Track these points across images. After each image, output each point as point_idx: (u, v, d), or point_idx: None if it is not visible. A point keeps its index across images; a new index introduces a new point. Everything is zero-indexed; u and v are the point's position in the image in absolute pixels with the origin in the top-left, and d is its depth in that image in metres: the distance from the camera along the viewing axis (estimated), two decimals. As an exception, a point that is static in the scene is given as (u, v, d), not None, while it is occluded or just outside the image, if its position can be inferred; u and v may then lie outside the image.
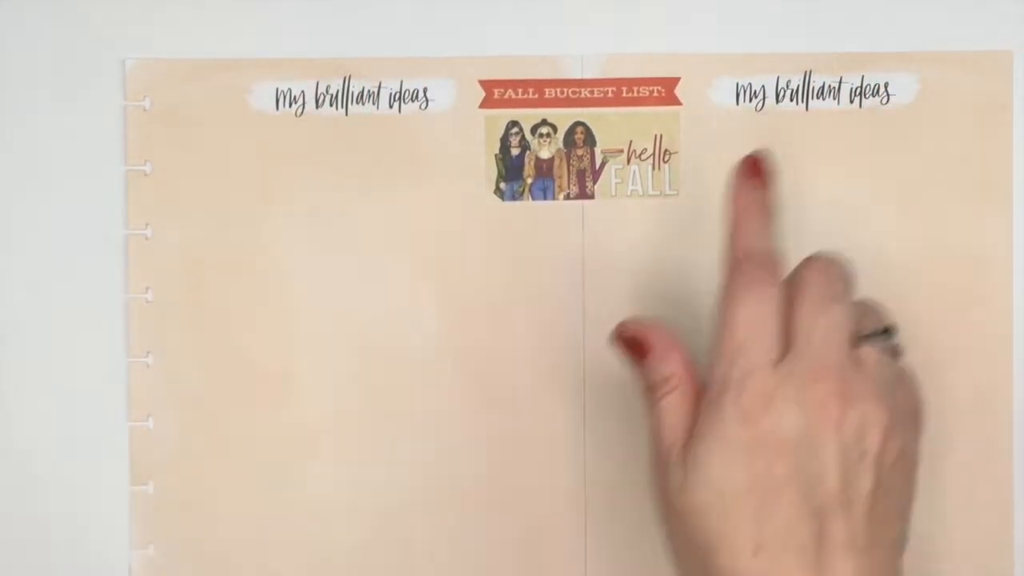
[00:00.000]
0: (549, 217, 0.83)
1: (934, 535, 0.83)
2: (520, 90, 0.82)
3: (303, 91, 0.82)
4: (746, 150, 0.64)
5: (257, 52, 0.82)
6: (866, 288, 0.83)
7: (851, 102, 0.83)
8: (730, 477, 0.58)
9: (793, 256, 0.83)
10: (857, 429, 0.58)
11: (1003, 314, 0.83)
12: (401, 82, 0.82)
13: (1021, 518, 0.83)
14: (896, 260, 0.83)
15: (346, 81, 0.82)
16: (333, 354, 0.82)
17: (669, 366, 0.64)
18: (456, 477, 0.83)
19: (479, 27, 0.82)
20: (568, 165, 0.83)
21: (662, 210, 0.83)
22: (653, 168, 0.83)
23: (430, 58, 0.82)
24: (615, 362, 0.83)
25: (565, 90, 0.82)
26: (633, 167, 0.83)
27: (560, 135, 0.83)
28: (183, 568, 0.82)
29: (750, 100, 0.83)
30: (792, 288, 0.62)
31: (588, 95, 0.82)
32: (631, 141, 0.83)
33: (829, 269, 0.64)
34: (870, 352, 0.61)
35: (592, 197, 0.83)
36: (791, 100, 0.83)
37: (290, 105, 0.82)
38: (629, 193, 0.83)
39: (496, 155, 0.83)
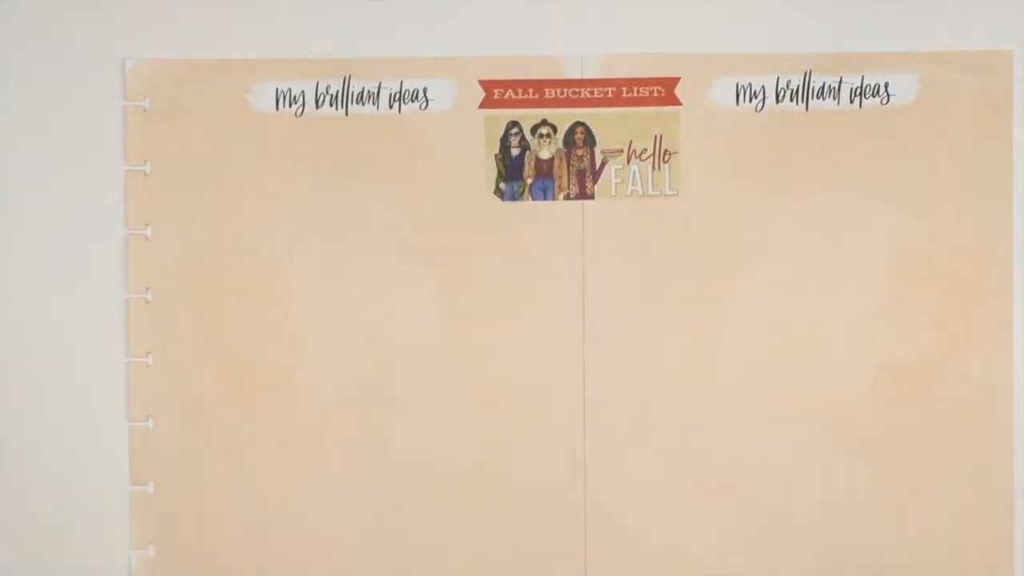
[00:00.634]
0: (549, 217, 0.83)
1: (934, 535, 0.83)
2: (520, 90, 0.82)
3: (303, 91, 0.82)
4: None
5: (257, 52, 0.82)
6: (866, 288, 0.83)
7: (851, 102, 0.83)
8: None
9: (793, 256, 0.83)
10: None
11: (1003, 314, 0.83)
12: (401, 82, 0.82)
13: (1021, 518, 0.83)
14: (896, 259, 0.83)
15: (346, 81, 0.82)
16: (333, 354, 0.82)
17: None
18: (456, 476, 0.83)
19: (479, 27, 0.82)
20: (568, 165, 0.83)
21: (662, 210, 0.83)
22: (653, 168, 0.83)
23: (430, 58, 0.82)
24: (615, 362, 0.83)
25: (565, 90, 0.82)
26: (633, 167, 0.83)
27: (560, 135, 0.83)
28: (183, 568, 0.82)
29: (750, 100, 0.83)
30: None
31: (588, 95, 0.82)
32: (631, 141, 0.83)
33: None
34: None
35: (592, 197, 0.83)
36: (791, 100, 0.83)
37: (290, 105, 0.82)
38: (629, 193, 0.83)
39: (496, 155, 0.83)
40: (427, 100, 0.82)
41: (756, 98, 0.83)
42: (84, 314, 0.82)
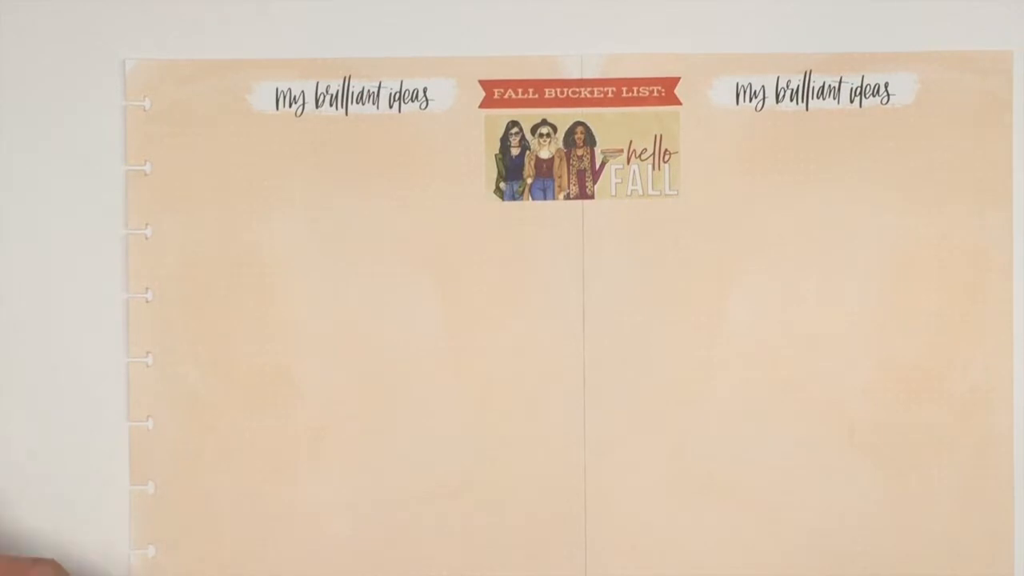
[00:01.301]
0: (549, 217, 0.83)
1: (934, 535, 0.83)
2: (520, 90, 0.82)
3: (303, 91, 0.82)
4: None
5: (257, 52, 0.82)
6: (866, 287, 0.83)
7: (851, 102, 0.83)
8: None
9: (793, 256, 0.83)
10: None
11: (1003, 314, 0.83)
12: (401, 82, 0.82)
13: (1021, 518, 0.83)
14: (896, 259, 0.83)
15: (346, 81, 0.82)
16: (333, 353, 0.82)
17: None
18: (455, 476, 0.83)
19: (479, 27, 0.82)
20: (568, 165, 0.83)
21: (662, 210, 0.83)
22: (653, 168, 0.83)
23: (430, 58, 0.82)
24: (615, 362, 0.83)
25: (565, 90, 0.82)
26: (633, 167, 0.83)
27: (560, 135, 0.83)
28: (183, 568, 0.82)
29: (750, 100, 0.83)
30: None
31: (588, 95, 0.82)
32: (631, 141, 0.83)
33: None
34: None
35: (592, 197, 0.83)
36: (791, 100, 0.83)
37: (290, 105, 0.82)
38: (629, 193, 0.83)
39: (496, 155, 0.83)
40: (427, 100, 0.82)
41: (756, 98, 0.83)
42: (84, 314, 0.82)
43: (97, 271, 0.82)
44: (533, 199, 0.83)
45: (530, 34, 0.82)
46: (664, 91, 0.82)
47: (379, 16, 0.82)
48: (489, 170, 0.82)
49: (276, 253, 0.82)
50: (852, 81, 0.83)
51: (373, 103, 0.82)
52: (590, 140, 0.83)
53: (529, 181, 0.83)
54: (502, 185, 0.83)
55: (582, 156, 0.83)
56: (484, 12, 0.82)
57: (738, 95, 0.83)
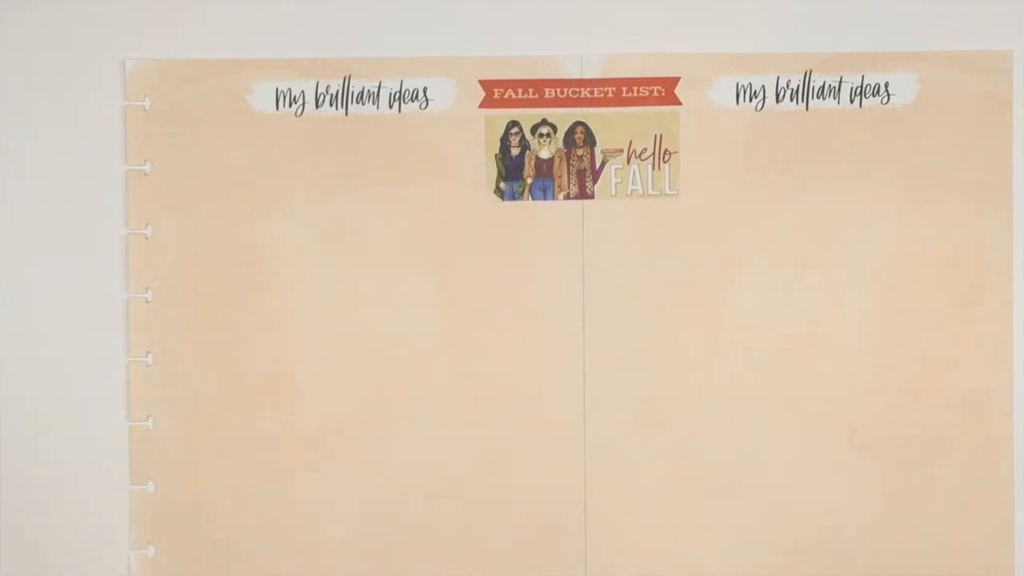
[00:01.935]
0: (549, 217, 0.83)
1: (934, 535, 0.83)
2: (520, 90, 0.82)
3: (303, 91, 0.82)
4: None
5: (257, 52, 0.82)
6: (866, 287, 0.83)
7: (851, 102, 0.83)
8: None
9: (793, 255, 0.83)
10: None
11: (1003, 314, 0.83)
12: (401, 82, 0.82)
13: (1021, 518, 0.83)
14: (896, 259, 0.83)
15: (346, 81, 0.82)
16: (332, 353, 0.82)
17: None
18: (455, 476, 0.83)
19: (479, 27, 0.82)
20: (568, 165, 0.83)
21: (662, 210, 0.83)
22: (653, 168, 0.83)
23: (430, 58, 0.82)
24: (615, 362, 0.83)
25: (565, 90, 0.82)
26: (633, 167, 0.83)
27: (560, 135, 0.83)
28: (183, 568, 0.82)
29: (750, 100, 0.83)
30: None
31: (588, 95, 0.82)
32: (631, 141, 0.83)
33: None
34: None
35: (592, 197, 0.83)
36: (791, 100, 0.83)
37: (290, 105, 0.82)
38: (629, 193, 0.83)
39: (496, 155, 0.82)
40: (427, 100, 0.82)
41: (756, 98, 0.83)
42: (84, 314, 0.82)
43: (97, 271, 0.82)
44: (533, 199, 0.83)
45: (530, 34, 0.82)
46: (664, 91, 0.82)
47: (379, 16, 0.82)
48: (489, 170, 0.82)
49: (276, 253, 0.82)
50: (852, 81, 0.83)
51: (373, 103, 0.82)
52: (590, 140, 0.83)
53: (529, 181, 0.83)
54: (502, 185, 0.83)
55: (582, 156, 0.83)
56: (484, 12, 0.82)
57: (738, 95, 0.83)
